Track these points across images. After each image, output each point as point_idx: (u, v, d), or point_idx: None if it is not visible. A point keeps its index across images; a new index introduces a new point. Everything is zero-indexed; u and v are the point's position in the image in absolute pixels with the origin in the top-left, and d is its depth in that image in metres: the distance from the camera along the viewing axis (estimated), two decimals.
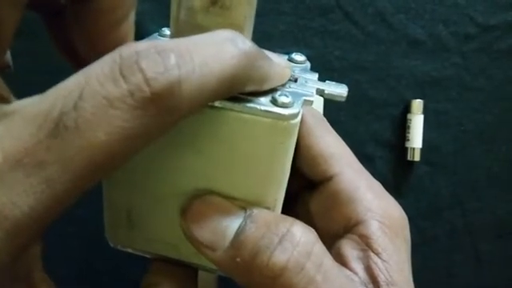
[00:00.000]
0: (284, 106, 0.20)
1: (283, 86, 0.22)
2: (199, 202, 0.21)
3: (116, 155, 0.16)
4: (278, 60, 0.21)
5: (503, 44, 0.42)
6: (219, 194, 0.21)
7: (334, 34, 0.41)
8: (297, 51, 0.26)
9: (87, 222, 0.37)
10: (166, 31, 0.25)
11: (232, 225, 0.21)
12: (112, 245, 0.25)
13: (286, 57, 0.25)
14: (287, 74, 0.22)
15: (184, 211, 0.22)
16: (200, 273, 0.26)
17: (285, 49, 0.24)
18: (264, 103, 0.20)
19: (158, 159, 0.21)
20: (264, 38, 0.39)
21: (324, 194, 0.26)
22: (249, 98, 0.20)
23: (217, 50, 0.17)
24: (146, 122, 0.16)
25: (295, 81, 0.23)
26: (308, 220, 0.23)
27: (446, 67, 0.42)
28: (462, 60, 0.42)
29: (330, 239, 0.25)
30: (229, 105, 0.20)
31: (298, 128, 0.21)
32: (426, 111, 0.42)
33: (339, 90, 0.23)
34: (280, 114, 0.19)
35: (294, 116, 0.20)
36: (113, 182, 0.23)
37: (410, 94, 0.42)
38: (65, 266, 0.39)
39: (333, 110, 0.41)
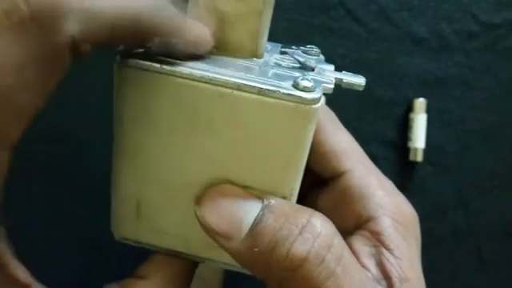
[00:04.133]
0: (306, 90, 0.19)
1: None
2: (215, 189, 0.21)
3: (16, 89, 0.14)
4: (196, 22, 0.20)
5: (507, 42, 0.42)
6: (235, 183, 0.21)
7: (336, 32, 0.40)
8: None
9: (84, 223, 0.36)
10: None
11: (249, 214, 0.20)
12: (117, 238, 0.24)
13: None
14: (204, 37, 0.20)
15: (199, 199, 0.21)
16: (202, 271, 0.25)
17: None
18: (286, 87, 0.19)
19: (171, 147, 0.21)
20: None
21: (334, 191, 0.25)
22: (269, 80, 0.19)
23: None
24: (33, 47, 0.14)
25: (312, 70, 0.22)
26: None
27: (450, 66, 0.42)
28: (466, 59, 0.42)
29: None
30: (248, 87, 0.19)
31: (318, 114, 0.20)
32: (428, 110, 0.42)
33: (357, 80, 0.22)
34: (302, 97, 0.19)
35: (317, 100, 0.19)
36: (123, 172, 0.22)
37: (413, 92, 0.42)
38: (62, 268, 0.38)
39: (335, 108, 0.40)
